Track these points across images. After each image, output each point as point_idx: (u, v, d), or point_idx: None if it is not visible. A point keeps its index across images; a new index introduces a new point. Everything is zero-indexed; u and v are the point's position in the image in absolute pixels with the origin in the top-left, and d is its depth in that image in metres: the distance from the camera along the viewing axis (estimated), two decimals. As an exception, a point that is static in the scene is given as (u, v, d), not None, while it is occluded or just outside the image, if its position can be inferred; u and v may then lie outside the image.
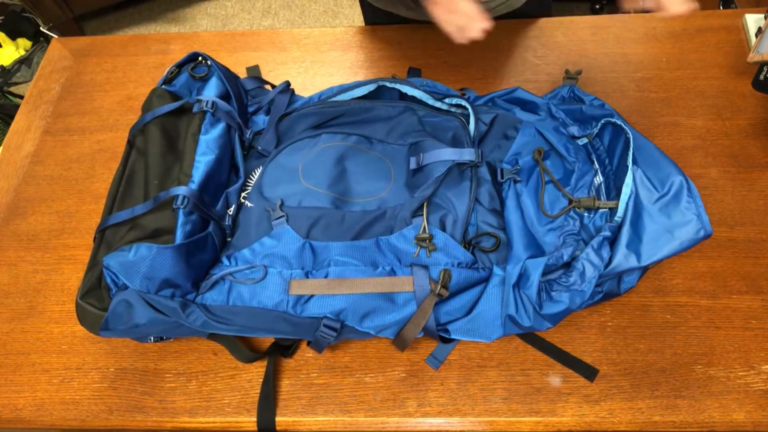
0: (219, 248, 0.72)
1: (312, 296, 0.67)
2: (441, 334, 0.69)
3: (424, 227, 0.71)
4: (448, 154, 0.75)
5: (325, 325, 0.66)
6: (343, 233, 0.72)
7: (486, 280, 0.69)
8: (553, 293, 0.67)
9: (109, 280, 0.64)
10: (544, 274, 0.67)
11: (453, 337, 0.69)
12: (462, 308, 0.69)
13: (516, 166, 0.78)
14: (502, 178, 0.78)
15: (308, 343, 0.71)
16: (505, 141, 0.82)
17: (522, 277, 0.67)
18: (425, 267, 0.68)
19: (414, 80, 0.86)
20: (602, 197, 0.74)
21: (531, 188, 0.77)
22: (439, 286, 0.66)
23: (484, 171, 0.78)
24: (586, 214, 0.73)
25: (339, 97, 0.83)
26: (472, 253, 0.72)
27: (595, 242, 0.67)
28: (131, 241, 0.65)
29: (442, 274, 0.67)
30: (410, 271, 0.68)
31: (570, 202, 0.73)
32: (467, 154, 0.75)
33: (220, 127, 0.77)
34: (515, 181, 0.78)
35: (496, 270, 0.69)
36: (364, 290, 0.67)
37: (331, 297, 0.67)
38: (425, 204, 0.73)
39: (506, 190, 0.78)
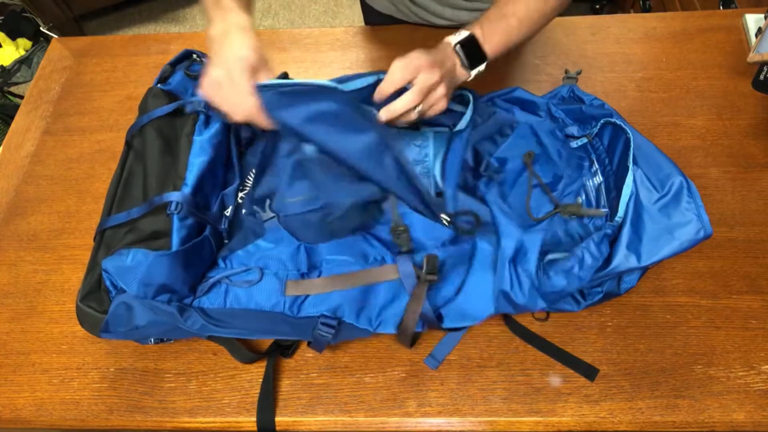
0: (215, 251, 0.72)
1: (308, 295, 0.67)
2: (440, 324, 0.69)
3: (395, 219, 0.70)
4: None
5: (322, 323, 0.66)
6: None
7: (472, 252, 0.69)
8: (551, 273, 0.67)
9: (108, 283, 0.64)
10: (541, 254, 0.67)
11: (447, 325, 0.68)
12: (454, 289, 0.69)
13: (500, 169, 0.78)
14: (485, 171, 0.77)
15: (308, 344, 0.71)
16: (500, 137, 0.81)
17: (519, 252, 0.66)
18: (408, 253, 0.68)
19: None
20: (602, 197, 0.74)
21: (518, 190, 0.77)
22: (425, 273, 0.65)
23: (468, 155, 0.76)
24: (585, 214, 0.73)
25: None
26: (453, 225, 0.71)
27: (596, 236, 0.67)
28: (129, 244, 0.65)
29: (425, 260, 0.65)
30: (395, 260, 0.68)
31: (556, 206, 0.73)
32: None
33: (215, 128, 0.76)
34: (490, 178, 0.77)
35: (480, 244, 0.68)
36: (354, 284, 0.67)
37: (326, 294, 0.67)
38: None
39: (485, 187, 0.77)
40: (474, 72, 0.70)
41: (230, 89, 0.62)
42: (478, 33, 0.69)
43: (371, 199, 0.70)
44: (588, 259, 0.66)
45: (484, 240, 0.69)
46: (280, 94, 0.63)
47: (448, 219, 0.70)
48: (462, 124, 0.75)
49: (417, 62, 0.64)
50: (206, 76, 0.64)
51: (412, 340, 0.72)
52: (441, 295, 0.68)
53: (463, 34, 0.69)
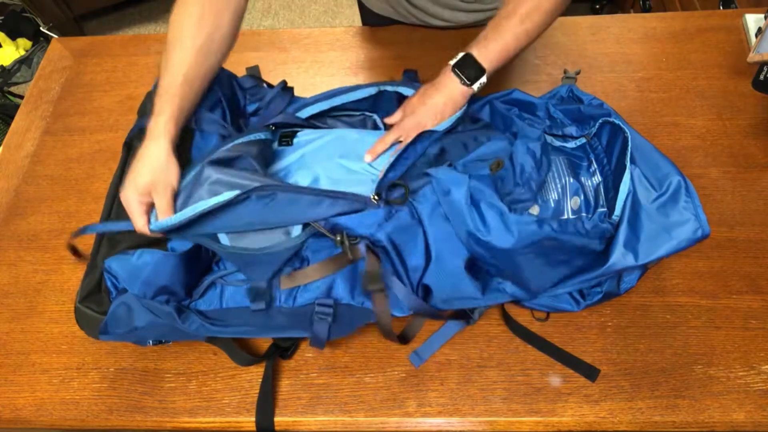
0: (211, 256, 0.72)
1: (300, 286, 0.68)
2: (430, 305, 0.68)
3: (332, 234, 0.68)
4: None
5: (318, 304, 0.67)
6: None
7: (414, 216, 0.68)
8: (523, 215, 0.66)
9: (109, 284, 0.65)
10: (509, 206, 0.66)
11: (438, 291, 0.68)
12: (421, 257, 0.68)
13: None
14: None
15: (309, 342, 0.71)
16: (474, 143, 0.79)
17: (476, 194, 0.66)
18: (363, 240, 0.67)
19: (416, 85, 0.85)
20: (600, 197, 0.73)
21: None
22: (366, 286, 0.66)
23: (433, 149, 0.75)
24: (584, 214, 0.73)
25: (339, 99, 0.82)
26: (383, 201, 0.69)
27: (589, 224, 0.66)
28: (128, 249, 0.65)
29: (365, 276, 0.66)
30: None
31: None
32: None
33: (213, 142, 0.76)
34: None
35: (419, 205, 0.67)
36: (342, 265, 0.67)
37: (319, 281, 0.67)
38: None
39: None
40: (476, 86, 0.73)
41: (129, 210, 0.65)
42: (474, 52, 0.73)
43: (296, 249, 0.68)
44: (570, 225, 0.65)
45: (421, 201, 0.68)
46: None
47: (376, 198, 0.68)
48: (439, 127, 0.74)
49: (404, 128, 0.75)
50: (122, 187, 0.66)
51: (403, 338, 0.72)
52: (412, 269, 0.67)
53: (460, 54, 0.74)
